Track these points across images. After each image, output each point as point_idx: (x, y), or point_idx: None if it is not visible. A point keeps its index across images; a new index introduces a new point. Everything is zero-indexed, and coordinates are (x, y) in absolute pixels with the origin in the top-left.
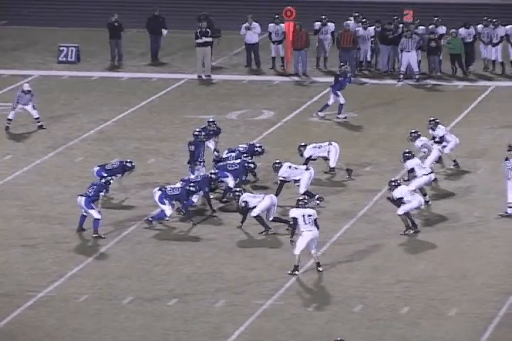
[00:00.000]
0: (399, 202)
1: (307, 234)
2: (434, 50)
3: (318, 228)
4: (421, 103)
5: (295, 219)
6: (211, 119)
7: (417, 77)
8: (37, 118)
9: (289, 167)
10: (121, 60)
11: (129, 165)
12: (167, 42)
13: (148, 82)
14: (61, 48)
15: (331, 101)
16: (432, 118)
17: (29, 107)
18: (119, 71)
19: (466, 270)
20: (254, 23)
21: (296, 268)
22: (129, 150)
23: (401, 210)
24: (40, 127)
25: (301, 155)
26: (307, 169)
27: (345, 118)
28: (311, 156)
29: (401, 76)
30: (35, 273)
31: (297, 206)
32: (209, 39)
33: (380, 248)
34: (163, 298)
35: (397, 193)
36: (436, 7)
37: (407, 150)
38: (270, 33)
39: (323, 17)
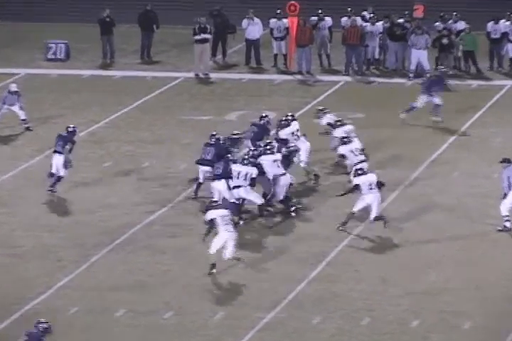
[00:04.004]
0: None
1: (223, 234)
2: (447, 47)
3: (235, 229)
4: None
5: (212, 220)
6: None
7: (428, 75)
8: (24, 120)
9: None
10: (113, 58)
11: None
12: (162, 38)
13: (142, 81)
14: (49, 45)
15: (419, 103)
16: (320, 108)
17: (16, 108)
18: (110, 69)
19: (480, 281)
20: (255, 18)
21: (212, 266)
22: (122, 154)
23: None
24: (27, 129)
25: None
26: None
27: (442, 121)
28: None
29: (411, 75)
30: (21, 284)
31: (214, 208)
32: (208, 35)
33: (388, 257)
34: (158, 311)
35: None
36: (458, 1)
37: (345, 136)
38: (272, 29)
39: (320, 11)
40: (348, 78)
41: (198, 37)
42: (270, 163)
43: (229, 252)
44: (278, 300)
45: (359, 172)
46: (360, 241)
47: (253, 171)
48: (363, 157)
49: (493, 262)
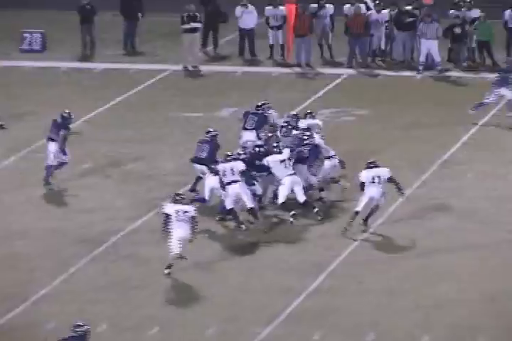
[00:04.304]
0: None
1: (178, 231)
2: (460, 37)
3: (193, 228)
4: (443, 98)
5: (167, 215)
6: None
7: (440, 67)
8: None
9: None
10: (93, 49)
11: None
12: (147, 27)
13: (126, 74)
14: (24, 35)
15: (490, 99)
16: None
17: None
18: (91, 61)
19: (496, 293)
20: (250, 6)
21: (169, 266)
22: (103, 154)
23: None
24: (1, 127)
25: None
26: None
27: None
28: None
29: (420, 67)
30: None
31: (175, 202)
32: (198, 24)
33: (395, 267)
34: (143, 326)
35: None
36: None
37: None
38: (267, 18)
39: None
40: (351, 71)
41: (186, 26)
42: (277, 164)
43: (181, 251)
44: (275, 314)
45: (370, 165)
46: (365, 250)
47: (238, 165)
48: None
49: (509, 273)
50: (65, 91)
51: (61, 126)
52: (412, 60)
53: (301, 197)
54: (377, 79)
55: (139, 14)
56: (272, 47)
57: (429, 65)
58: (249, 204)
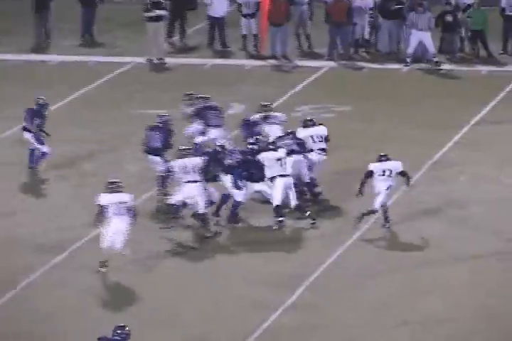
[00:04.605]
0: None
1: (115, 225)
2: (451, 26)
3: (133, 218)
4: (433, 93)
5: (102, 207)
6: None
7: (436, 60)
8: None
9: None
10: (48, 39)
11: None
12: (107, 15)
13: (84, 67)
14: None
15: None
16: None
17: None
18: (45, 53)
19: (492, 308)
20: None
21: (103, 263)
22: (59, 155)
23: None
24: None
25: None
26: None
27: None
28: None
29: (408, 59)
30: None
31: (112, 191)
32: (163, 12)
33: (380, 280)
34: None
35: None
36: None
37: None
38: (240, 5)
39: None
40: (332, 63)
41: (150, 14)
42: (273, 162)
43: (118, 246)
44: (249, 331)
45: (382, 158)
46: (348, 261)
47: (197, 161)
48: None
49: (508, 287)
50: (14, 87)
51: (36, 114)
52: (399, 51)
53: (294, 201)
54: (361, 73)
55: (98, 0)
56: (244, 37)
57: (418, 57)
58: (201, 209)
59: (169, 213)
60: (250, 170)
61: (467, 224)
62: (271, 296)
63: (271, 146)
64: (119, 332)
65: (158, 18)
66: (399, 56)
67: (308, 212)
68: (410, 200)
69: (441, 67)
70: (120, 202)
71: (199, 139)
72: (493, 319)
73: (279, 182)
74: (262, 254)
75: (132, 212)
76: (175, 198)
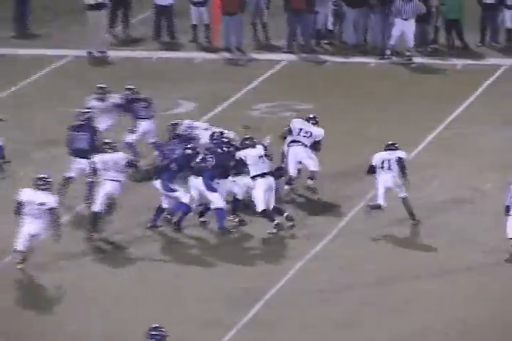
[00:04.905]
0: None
1: (28, 226)
2: (423, 15)
3: (53, 224)
4: (404, 90)
5: (20, 203)
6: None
7: (409, 53)
8: None
9: None
10: None
11: None
12: (43, 3)
13: (16, 61)
14: None
15: None
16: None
17: None
18: None
19: (466, 326)
20: None
21: (21, 261)
22: None
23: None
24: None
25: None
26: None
27: None
28: None
29: (388, 52)
30: None
31: (35, 187)
32: (104, 0)
33: (346, 295)
34: None
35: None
36: None
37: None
38: None
39: None
40: (291, 56)
41: (90, 1)
42: (256, 159)
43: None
44: None
45: (387, 147)
46: (311, 274)
47: (121, 157)
48: None
49: (483, 304)
50: None
51: None
52: (366, 42)
53: (271, 204)
54: (324, 67)
55: None
56: (194, 27)
57: (397, 49)
58: (95, 207)
59: (95, 221)
60: (221, 167)
61: (440, 234)
62: (225, 313)
63: (248, 142)
64: (155, 332)
65: (99, 6)
66: (366, 48)
67: (285, 213)
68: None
69: (413, 61)
70: (39, 204)
71: (131, 137)
72: (467, 336)
73: (260, 184)
74: (218, 267)
75: (52, 215)
76: (97, 205)
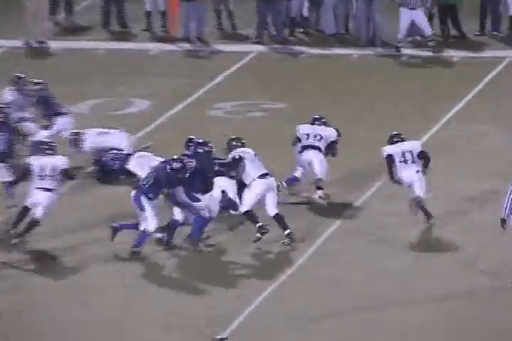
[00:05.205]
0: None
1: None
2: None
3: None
4: (393, 86)
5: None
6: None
7: (432, 43)
8: None
9: None
10: None
11: None
12: None
13: None
14: None
15: None
16: None
17: None
18: None
19: None
20: None
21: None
22: None
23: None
24: None
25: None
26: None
27: None
28: None
29: (399, 44)
30: None
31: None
32: None
33: (325, 324)
34: None
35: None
36: None
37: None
38: None
39: None
40: (261, 47)
41: None
42: (252, 158)
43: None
44: None
45: (394, 139)
46: (287, 299)
47: (61, 162)
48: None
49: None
50: None
51: None
52: (347, 32)
53: (274, 208)
54: (299, 60)
55: None
56: (148, 14)
57: (370, 40)
58: (38, 215)
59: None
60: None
61: (435, 254)
62: None
63: (237, 143)
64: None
65: None
66: (347, 38)
67: (259, 224)
68: (363, 222)
69: (402, 53)
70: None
71: (43, 134)
72: None
73: (259, 184)
74: (180, 289)
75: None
76: (38, 214)
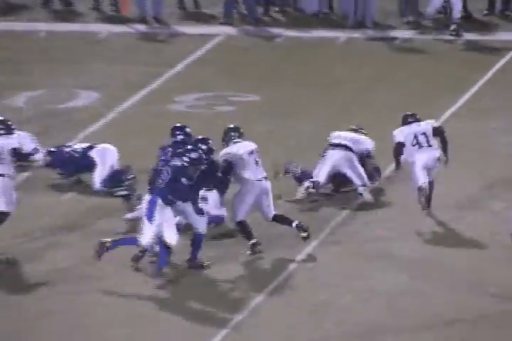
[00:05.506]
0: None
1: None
2: None
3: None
4: (387, 74)
5: None
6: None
7: (454, 26)
8: None
9: None
10: None
11: None
12: None
13: None
14: None
15: None
16: None
17: None
18: None
19: None
20: None
21: None
22: None
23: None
24: None
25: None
26: None
27: None
28: None
29: (428, 18)
30: None
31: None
32: None
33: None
34: None
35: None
36: None
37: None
38: None
39: None
40: (230, 29)
41: None
42: (248, 157)
43: None
44: None
45: (410, 120)
46: (260, 325)
47: (10, 141)
48: None
49: None
50: None
51: None
52: (332, 10)
53: (271, 211)
54: (275, 44)
55: None
56: None
57: (358, 21)
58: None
59: None
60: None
61: (435, 274)
62: None
63: (236, 139)
64: None
65: None
66: (331, 18)
67: (252, 242)
68: (348, 236)
69: (395, 35)
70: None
71: None
72: None
73: (254, 186)
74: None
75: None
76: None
